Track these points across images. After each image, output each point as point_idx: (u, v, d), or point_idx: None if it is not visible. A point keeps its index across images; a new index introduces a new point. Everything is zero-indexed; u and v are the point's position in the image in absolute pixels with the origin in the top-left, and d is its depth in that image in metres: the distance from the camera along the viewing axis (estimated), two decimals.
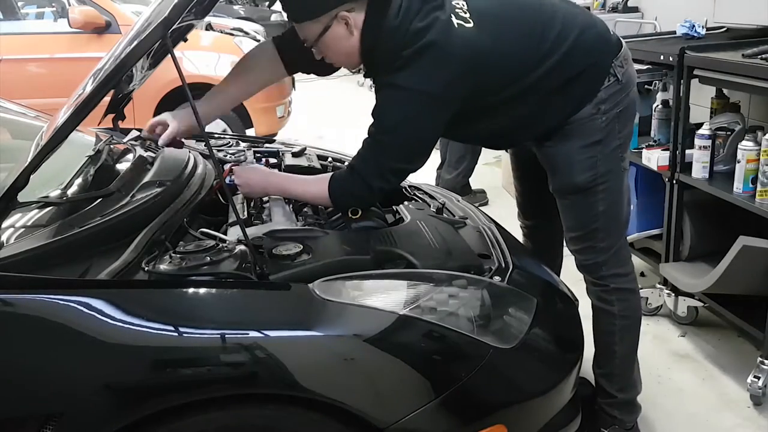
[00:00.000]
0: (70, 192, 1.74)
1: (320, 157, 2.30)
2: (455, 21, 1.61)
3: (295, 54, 1.86)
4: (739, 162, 2.30)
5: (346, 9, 1.59)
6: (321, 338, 1.41)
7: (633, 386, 2.04)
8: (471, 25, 1.63)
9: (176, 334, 1.35)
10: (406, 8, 1.60)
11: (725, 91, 2.72)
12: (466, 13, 1.64)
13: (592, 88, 1.76)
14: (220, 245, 1.56)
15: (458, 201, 2.17)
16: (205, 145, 1.88)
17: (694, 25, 2.83)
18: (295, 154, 2.26)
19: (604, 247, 1.88)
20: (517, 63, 1.69)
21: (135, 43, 1.51)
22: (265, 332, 1.38)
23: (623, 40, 1.85)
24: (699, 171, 2.49)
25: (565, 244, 2.01)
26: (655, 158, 2.68)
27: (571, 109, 1.76)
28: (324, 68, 1.88)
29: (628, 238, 2.15)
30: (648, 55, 2.71)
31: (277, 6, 10.80)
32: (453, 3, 1.65)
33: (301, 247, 1.57)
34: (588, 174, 1.80)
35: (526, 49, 1.69)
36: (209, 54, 4.96)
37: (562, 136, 1.80)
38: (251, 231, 1.64)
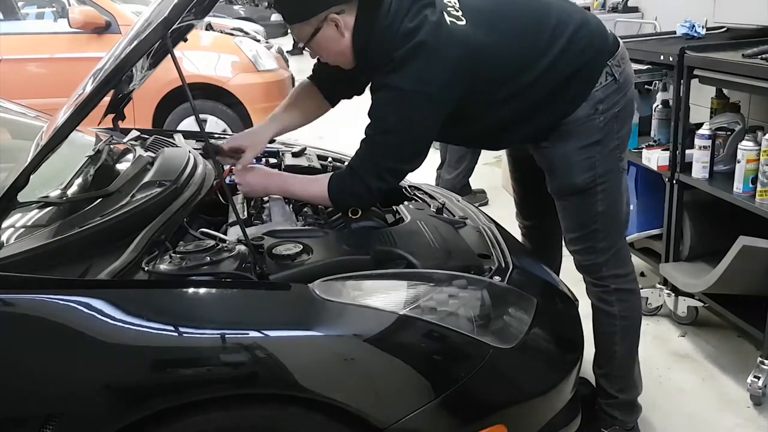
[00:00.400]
0: (70, 192, 1.74)
1: (320, 157, 2.30)
2: (447, 19, 1.60)
3: (332, 87, 1.92)
4: (739, 162, 2.30)
5: (335, 11, 1.60)
6: (321, 338, 1.41)
7: (634, 387, 2.04)
8: (464, 22, 1.62)
9: (176, 334, 1.35)
10: (395, 8, 1.59)
11: (725, 91, 2.72)
12: (458, 11, 1.63)
13: (587, 86, 1.75)
14: (220, 245, 1.56)
15: (458, 201, 2.17)
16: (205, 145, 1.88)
17: (694, 25, 2.83)
18: (295, 154, 2.26)
19: (603, 247, 1.88)
20: (512, 60, 1.68)
21: (135, 43, 1.51)
22: (265, 332, 1.38)
23: (620, 40, 1.85)
24: (699, 171, 2.49)
25: (564, 244, 2.01)
26: (655, 158, 2.68)
27: (567, 108, 1.76)
28: (359, 88, 1.91)
29: (627, 238, 2.15)
30: (648, 55, 2.71)
31: None
32: (444, 1, 1.64)
33: (301, 247, 1.57)
34: (587, 175, 1.80)
35: (522, 47, 1.69)
36: (209, 54, 4.96)
37: (559, 136, 1.79)
38: (251, 231, 1.64)
